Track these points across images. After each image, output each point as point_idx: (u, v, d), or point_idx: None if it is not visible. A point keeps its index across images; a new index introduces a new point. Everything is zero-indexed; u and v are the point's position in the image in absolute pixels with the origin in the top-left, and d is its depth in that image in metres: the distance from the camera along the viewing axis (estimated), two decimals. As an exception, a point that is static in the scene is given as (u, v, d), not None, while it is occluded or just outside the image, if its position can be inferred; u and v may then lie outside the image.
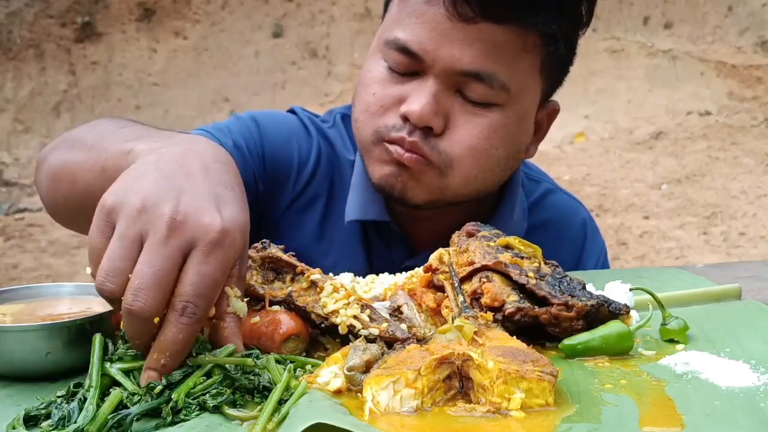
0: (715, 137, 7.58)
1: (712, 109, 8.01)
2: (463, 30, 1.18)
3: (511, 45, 1.19)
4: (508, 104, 1.23)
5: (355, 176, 1.39)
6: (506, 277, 0.98)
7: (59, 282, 0.99)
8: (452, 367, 0.76)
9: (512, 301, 0.94)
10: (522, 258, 1.01)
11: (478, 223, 1.12)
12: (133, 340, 0.79)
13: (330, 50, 8.48)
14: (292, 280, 0.97)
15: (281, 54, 8.44)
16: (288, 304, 0.93)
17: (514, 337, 0.85)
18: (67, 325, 0.84)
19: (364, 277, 1.15)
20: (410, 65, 1.22)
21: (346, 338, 0.91)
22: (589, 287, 1.04)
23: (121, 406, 0.74)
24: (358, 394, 0.77)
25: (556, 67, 1.29)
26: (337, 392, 0.78)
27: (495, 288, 0.96)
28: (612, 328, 0.92)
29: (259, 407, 0.75)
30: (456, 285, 0.96)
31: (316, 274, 0.95)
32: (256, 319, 0.91)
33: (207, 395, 0.76)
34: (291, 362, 0.84)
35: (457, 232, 1.11)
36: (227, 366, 0.79)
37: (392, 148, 1.24)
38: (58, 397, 0.76)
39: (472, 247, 1.03)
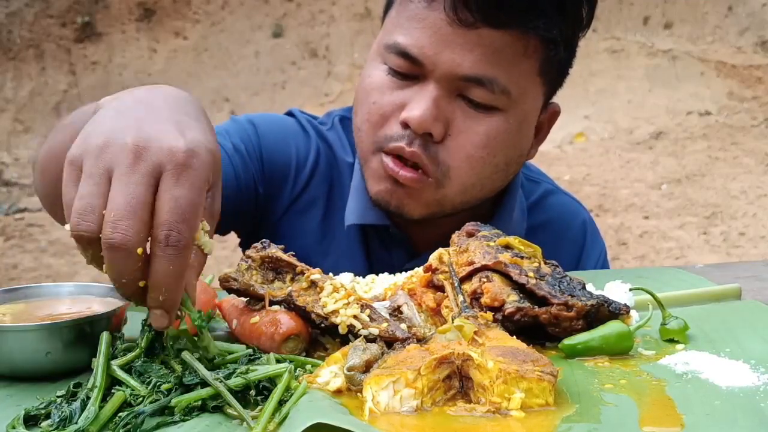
0: (715, 137, 7.58)
1: (712, 109, 8.01)
2: (463, 35, 1.18)
3: (512, 50, 1.19)
4: (509, 108, 1.23)
5: (354, 180, 1.39)
6: (506, 277, 0.98)
7: (59, 282, 0.99)
8: (452, 367, 0.76)
9: (512, 300, 0.94)
10: (522, 258, 1.01)
11: (478, 223, 1.11)
12: (118, 280, 0.75)
13: (330, 50, 8.48)
14: (292, 279, 0.97)
15: (281, 54, 8.44)
16: (288, 303, 0.93)
17: (514, 337, 0.85)
18: (67, 325, 0.84)
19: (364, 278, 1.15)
20: (410, 69, 1.22)
21: (346, 338, 0.91)
22: (589, 287, 1.04)
23: (124, 405, 0.74)
24: (358, 394, 0.77)
25: (556, 70, 1.29)
26: (337, 392, 0.78)
27: (495, 288, 0.96)
28: (612, 328, 0.92)
29: (259, 407, 0.75)
30: (456, 285, 0.96)
31: (316, 274, 0.95)
32: (256, 319, 0.92)
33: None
34: (291, 362, 0.84)
35: (457, 231, 1.11)
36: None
37: (388, 161, 1.23)
38: (58, 397, 0.76)
39: (472, 247, 1.03)
